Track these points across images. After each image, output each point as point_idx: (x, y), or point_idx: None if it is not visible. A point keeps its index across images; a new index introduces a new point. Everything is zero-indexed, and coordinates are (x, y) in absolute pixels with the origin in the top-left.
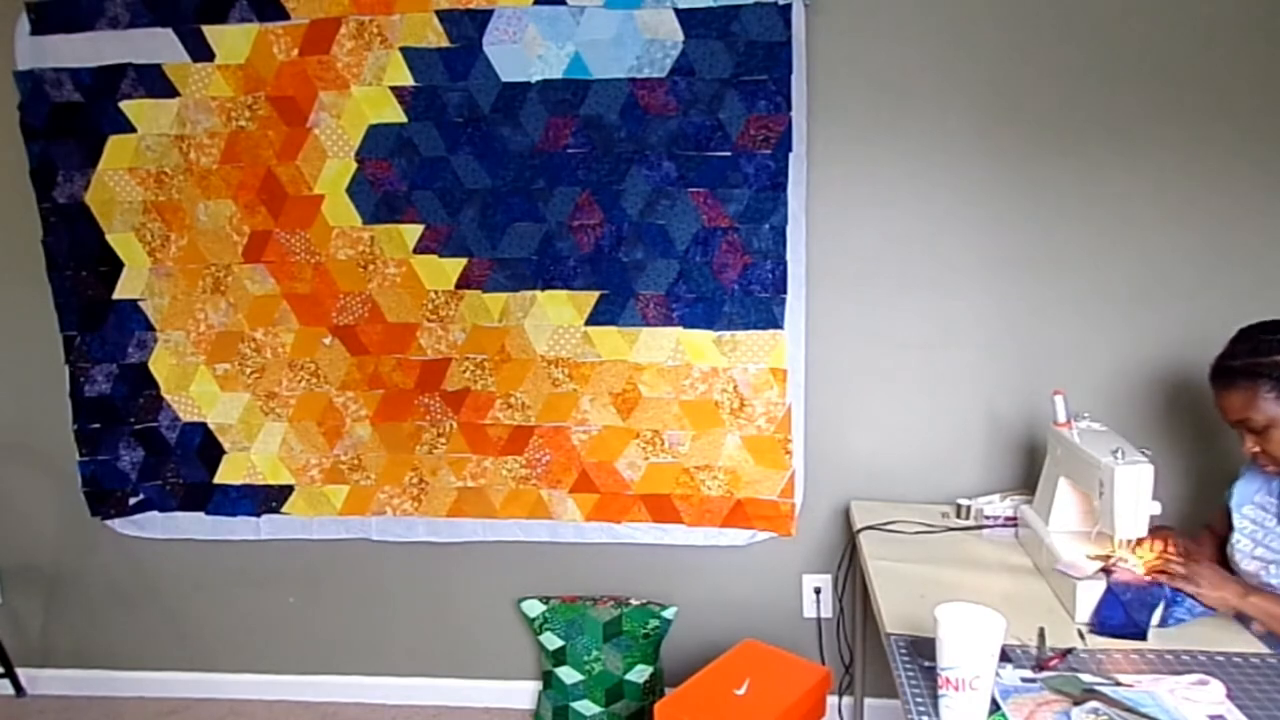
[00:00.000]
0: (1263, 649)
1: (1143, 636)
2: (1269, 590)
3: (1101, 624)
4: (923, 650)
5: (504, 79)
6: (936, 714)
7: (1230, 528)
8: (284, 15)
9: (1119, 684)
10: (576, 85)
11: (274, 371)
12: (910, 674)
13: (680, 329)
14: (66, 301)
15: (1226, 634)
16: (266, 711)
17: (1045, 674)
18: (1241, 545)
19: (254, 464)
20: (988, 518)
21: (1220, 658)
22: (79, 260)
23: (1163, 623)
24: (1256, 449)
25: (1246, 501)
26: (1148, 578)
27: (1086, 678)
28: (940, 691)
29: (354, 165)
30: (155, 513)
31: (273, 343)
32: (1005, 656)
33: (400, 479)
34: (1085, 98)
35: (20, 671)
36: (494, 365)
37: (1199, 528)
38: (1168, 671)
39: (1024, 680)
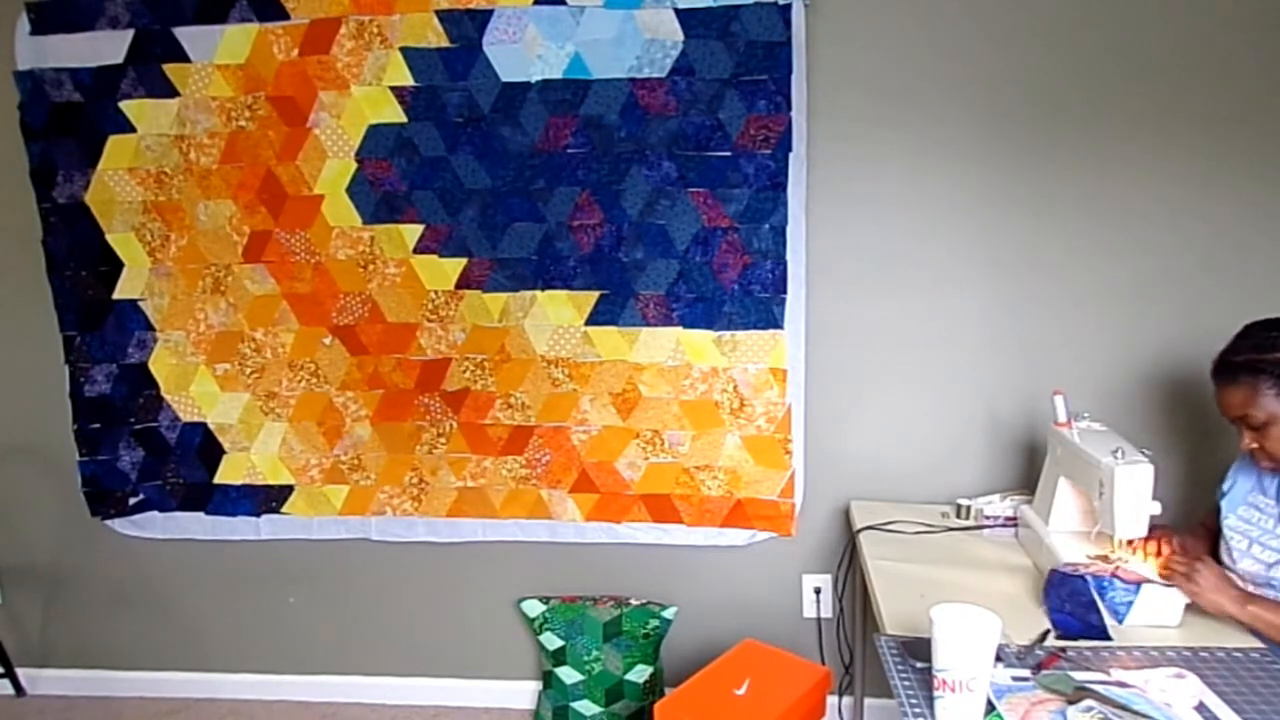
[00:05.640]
0: (1246, 644)
1: (1103, 635)
2: (1269, 598)
3: (1062, 628)
4: (917, 651)
5: (504, 79)
6: (932, 715)
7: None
8: (284, 15)
9: (1109, 681)
10: (576, 85)
11: (274, 371)
12: (904, 676)
13: (680, 329)
14: (66, 301)
15: (1210, 631)
16: (266, 712)
17: (1039, 673)
18: (1237, 544)
19: (254, 464)
20: (988, 518)
21: (1209, 654)
22: (79, 260)
23: (1117, 617)
24: (1255, 445)
25: (1240, 502)
26: (1079, 573)
27: (1078, 675)
28: (936, 693)
29: (354, 165)
30: (155, 513)
31: (273, 343)
32: (997, 656)
33: (400, 479)
34: (1084, 96)
35: (20, 671)
36: (494, 365)
37: (1195, 525)
38: (1150, 665)
39: (1015, 679)
